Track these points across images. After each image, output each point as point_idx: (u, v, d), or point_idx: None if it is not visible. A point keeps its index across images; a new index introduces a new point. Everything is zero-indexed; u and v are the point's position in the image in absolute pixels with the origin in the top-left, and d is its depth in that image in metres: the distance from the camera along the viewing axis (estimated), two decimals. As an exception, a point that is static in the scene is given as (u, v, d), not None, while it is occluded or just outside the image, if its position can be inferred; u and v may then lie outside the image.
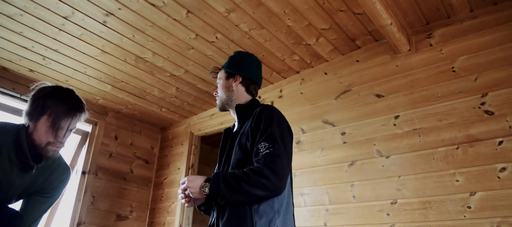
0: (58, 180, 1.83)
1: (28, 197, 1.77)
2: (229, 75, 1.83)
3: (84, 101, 1.77)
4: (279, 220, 1.49)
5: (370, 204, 2.57)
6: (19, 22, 2.78)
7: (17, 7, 2.63)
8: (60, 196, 1.90)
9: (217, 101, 1.86)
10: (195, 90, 3.83)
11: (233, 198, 1.45)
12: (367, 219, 2.55)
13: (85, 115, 1.75)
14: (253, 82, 1.85)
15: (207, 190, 1.48)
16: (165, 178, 4.45)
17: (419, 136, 2.50)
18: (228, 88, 1.82)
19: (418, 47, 2.72)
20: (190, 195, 1.54)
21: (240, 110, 1.77)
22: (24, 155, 1.63)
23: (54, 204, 1.90)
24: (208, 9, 2.63)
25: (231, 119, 3.74)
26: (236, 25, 2.80)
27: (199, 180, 1.51)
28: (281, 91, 3.52)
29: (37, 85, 1.70)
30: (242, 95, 1.81)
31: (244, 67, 1.85)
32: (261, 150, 1.48)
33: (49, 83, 1.73)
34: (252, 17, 2.70)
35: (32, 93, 1.68)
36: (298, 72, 3.43)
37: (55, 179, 1.80)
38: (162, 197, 4.37)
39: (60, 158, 1.85)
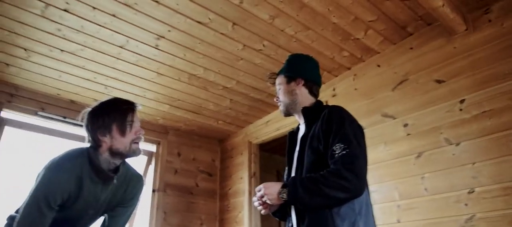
0: (136, 189, 1.99)
1: (112, 209, 1.94)
2: (290, 79, 1.81)
3: None
4: (362, 222, 1.45)
5: (445, 195, 2.42)
6: (81, 56, 3.00)
7: (78, 43, 2.84)
8: (137, 204, 2.07)
9: (281, 107, 1.84)
10: (248, 99, 3.87)
11: (312, 202, 1.43)
12: (444, 212, 2.40)
13: (137, 107, 1.88)
14: (315, 83, 1.83)
15: (285, 196, 1.47)
16: (229, 189, 4.53)
17: (490, 118, 2.32)
18: (291, 93, 1.80)
19: (476, 25, 2.54)
20: (268, 201, 1.54)
21: (308, 113, 1.75)
22: (102, 171, 1.77)
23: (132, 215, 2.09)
24: (253, 18, 2.66)
25: (289, 122, 3.74)
26: (282, 30, 2.80)
27: (276, 187, 1.51)
28: (334, 89, 3.46)
29: (85, 113, 1.84)
30: (306, 98, 1.79)
31: (304, 69, 1.84)
32: (337, 152, 1.46)
33: (89, 107, 1.86)
34: (296, 20, 2.69)
35: (87, 121, 1.81)
36: (349, 69, 3.35)
37: (132, 188, 1.96)
38: (229, 207, 4.45)
39: (132, 169, 2.00)
